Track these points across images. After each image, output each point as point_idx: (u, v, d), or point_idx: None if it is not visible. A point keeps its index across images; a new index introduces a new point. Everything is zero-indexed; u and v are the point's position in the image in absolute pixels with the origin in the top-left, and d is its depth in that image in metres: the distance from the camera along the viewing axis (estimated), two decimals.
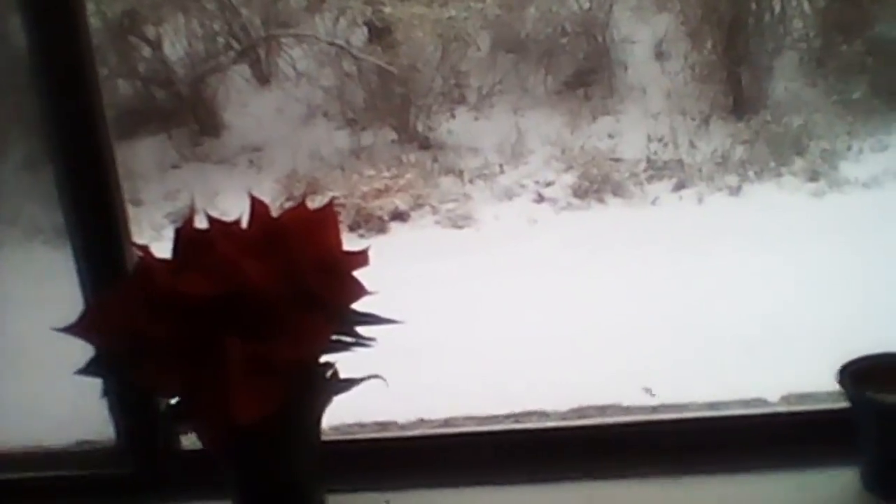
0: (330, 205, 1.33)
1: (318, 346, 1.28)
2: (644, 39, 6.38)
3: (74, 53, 1.48)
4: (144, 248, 1.30)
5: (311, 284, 1.26)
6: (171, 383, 1.26)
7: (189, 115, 6.52)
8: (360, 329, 1.30)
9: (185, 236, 1.30)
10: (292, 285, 1.25)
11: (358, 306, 1.31)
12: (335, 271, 1.28)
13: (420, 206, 5.71)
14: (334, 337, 1.29)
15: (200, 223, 1.31)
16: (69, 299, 1.53)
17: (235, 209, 1.34)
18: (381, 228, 5.55)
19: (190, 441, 1.53)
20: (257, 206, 1.32)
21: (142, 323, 1.24)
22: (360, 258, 1.31)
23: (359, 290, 1.30)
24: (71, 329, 1.29)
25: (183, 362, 1.23)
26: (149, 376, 1.25)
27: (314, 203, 1.35)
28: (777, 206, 5.28)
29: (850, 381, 1.38)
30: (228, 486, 1.35)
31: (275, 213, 1.33)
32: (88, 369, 1.30)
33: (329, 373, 1.32)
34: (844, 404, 1.39)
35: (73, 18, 1.48)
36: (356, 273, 1.30)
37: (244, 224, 1.31)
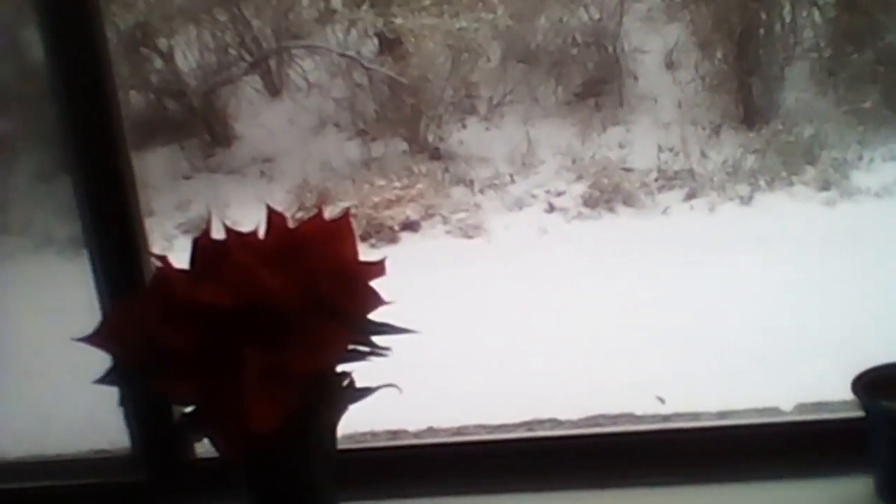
0: (346, 215, 1.34)
1: (334, 355, 1.29)
2: (654, 49, 6.38)
3: (92, 64, 1.50)
4: (163, 258, 1.32)
5: (327, 294, 1.27)
6: (189, 392, 1.27)
7: (201, 126, 6.54)
8: (375, 339, 1.31)
9: (202, 246, 1.31)
10: (309, 295, 1.26)
11: (373, 316, 1.32)
12: (352, 281, 1.29)
13: (431, 216, 5.71)
14: (350, 347, 1.30)
15: (217, 233, 1.32)
16: (85, 309, 1.54)
17: (247, 219, 1.35)
18: (392, 238, 5.56)
19: (205, 449, 1.54)
20: (273, 217, 1.32)
21: (159, 332, 1.25)
22: (377, 268, 1.32)
23: (375, 301, 1.30)
24: (89, 339, 1.30)
25: (200, 372, 1.24)
26: (166, 385, 1.26)
27: (327, 213, 1.36)
28: (788, 215, 5.27)
29: (865, 391, 1.38)
30: (243, 494, 1.36)
31: (289, 223, 1.34)
32: (106, 378, 1.31)
33: (345, 382, 1.32)
34: (858, 413, 1.39)
35: (90, 29, 1.50)
36: (373, 283, 1.31)
37: (261, 234, 1.32)
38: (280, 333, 1.25)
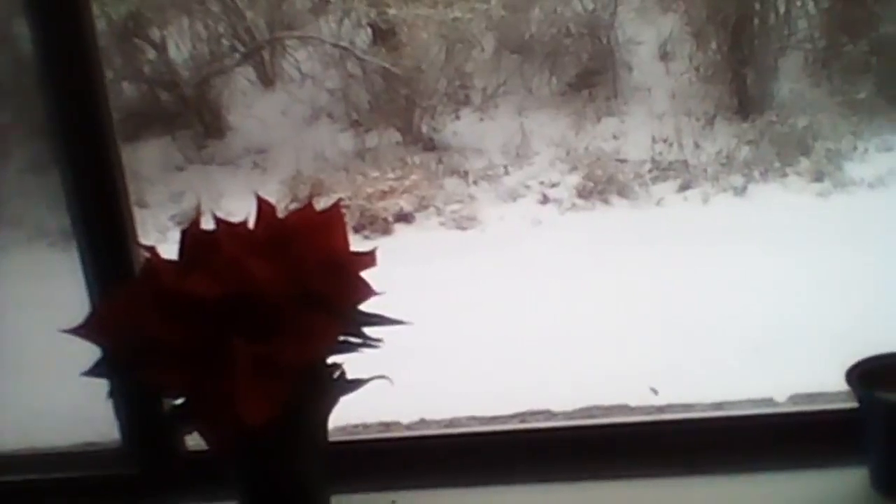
0: (337, 206, 1.33)
1: (324, 346, 1.28)
2: (648, 40, 6.37)
3: (81, 56, 1.49)
4: (151, 249, 1.30)
5: (317, 285, 1.26)
6: (178, 384, 1.26)
7: (194, 118, 6.52)
8: (366, 330, 1.30)
9: (192, 237, 1.30)
10: (299, 286, 1.25)
11: (364, 307, 1.31)
12: (342, 272, 1.28)
13: (425, 207, 5.70)
14: (341, 338, 1.29)
15: (207, 224, 1.31)
16: (75, 301, 1.53)
17: (241, 211, 1.34)
18: (386, 230, 5.55)
19: (195, 442, 1.53)
20: (264, 207, 1.32)
21: (148, 324, 1.24)
22: (368, 259, 1.31)
23: (366, 291, 1.29)
24: (78, 330, 1.29)
25: (189, 363, 1.23)
26: (155, 377, 1.25)
27: (320, 204, 1.35)
28: (782, 206, 5.27)
29: (859, 381, 1.37)
30: (234, 487, 1.35)
31: (280, 214, 1.33)
32: (95, 370, 1.30)
33: (336, 374, 1.31)
34: (852, 404, 1.39)
35: (79, 20, 1.48)
36: (363, 274, 1.30)
37: (251, 225, 1.31)
38: (270, 324, 1.24)
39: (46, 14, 1.48)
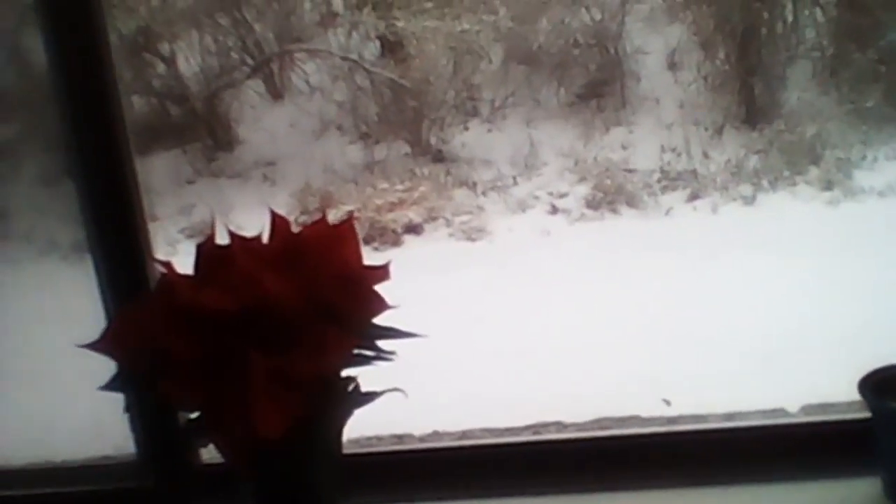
0: (350, 219, 1.34)
1: (339, 359, 1.28)
2: (656, 50, 6.37)
3: (96, 69, 1.50)
4: (167, 264, 1.31)
5: (331, 298, 1.27)
6: (194, 398, 1.27)
7: (203, 131, 6.54)
8: (380, 343, 1.31)
9: (207, 251, 1.31)
10: (313, 299, 1.26)
11: (378, 320, 1.32)
12: (356, 285, 1.29)
13: (434, 218, 5.71)
14: (355, 351, 1.30)
15: (221, 239, 1.32)
16: (90, 315, 1.54)
17: (250, 223, 1.35)
18: (395, 241, 5.56)
19: (210, 455, 1.54)
20: (278, 221, 1.32)
21: (164, 338, 1.25)
22: (381, 272, 1.32)
23: (380, 305, 1.30)
24: (94, 345, 1.31)
25: (205, 377, 1.24)
26: (171, 391, 1.26)
27: (330, 217, 1.36)
28: (792, 215, 5.26)
29: (872, 391, 1.37)
30: (249, 499, 1.36)
31: (293, 228, 1.34)
32: (111, 385, 1.31)
33: (350, 386, 1.32)
34: (865, 414, 1.39)
35: (94, 34, 1.50)
36: (377, 287, 1.31)
37: (265, 239, 1.32)
38: (284, 338, 1.24)
39: (61, 26, 1.49)
